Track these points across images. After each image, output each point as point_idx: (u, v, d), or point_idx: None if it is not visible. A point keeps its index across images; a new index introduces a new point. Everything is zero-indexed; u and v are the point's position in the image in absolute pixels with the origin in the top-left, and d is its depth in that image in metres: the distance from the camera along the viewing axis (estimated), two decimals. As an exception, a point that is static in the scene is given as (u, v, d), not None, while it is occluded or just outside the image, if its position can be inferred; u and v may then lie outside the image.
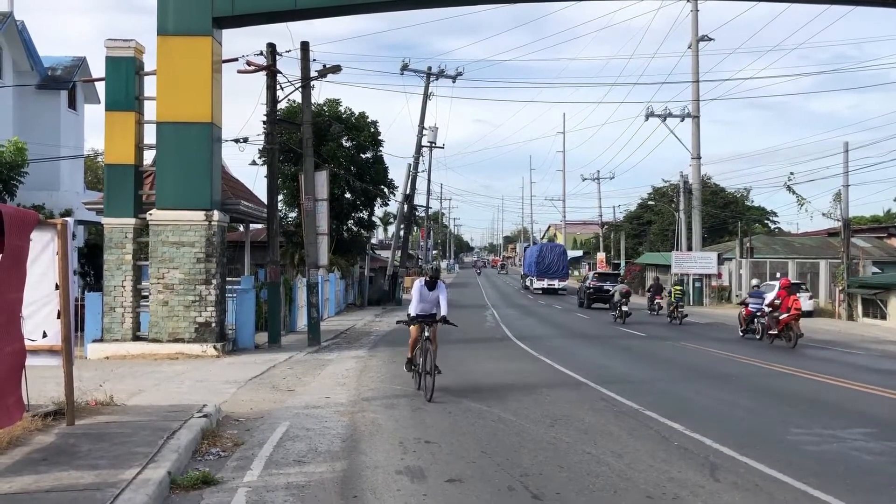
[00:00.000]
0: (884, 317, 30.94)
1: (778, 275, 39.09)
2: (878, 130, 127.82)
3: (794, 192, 44.30)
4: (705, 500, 6.50)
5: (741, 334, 23.55)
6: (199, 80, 16.84)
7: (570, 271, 64.48)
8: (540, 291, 55.29)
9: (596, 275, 41.71)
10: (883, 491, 6.90)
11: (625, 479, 7.14)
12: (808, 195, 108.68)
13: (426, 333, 11.44)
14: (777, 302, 21.44)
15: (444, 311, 11.49)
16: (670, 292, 30.54)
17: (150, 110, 17.48)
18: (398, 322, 12.48)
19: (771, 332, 21.46)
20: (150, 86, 17.61)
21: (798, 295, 27.79)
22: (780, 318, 20.94)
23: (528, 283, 60.84)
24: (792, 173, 73.28)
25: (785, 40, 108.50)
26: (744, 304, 24.21)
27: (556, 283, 55.20)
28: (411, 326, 11.76)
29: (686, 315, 29.61)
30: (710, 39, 43.78)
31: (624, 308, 28.69)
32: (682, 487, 6.87)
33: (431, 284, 11.64)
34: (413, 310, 11.71)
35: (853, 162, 35.20)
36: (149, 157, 18.32)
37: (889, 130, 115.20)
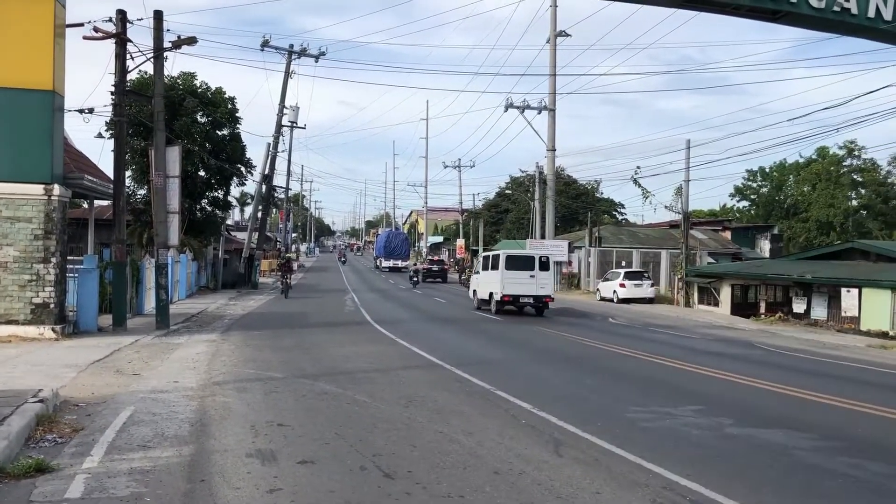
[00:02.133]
0: (717, 304, 33.32)
1: (624, 263, 41.26)
2: (718, 129, 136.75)
3: (639, 186, 46.82)
4: (549, 474, 6.81)
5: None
6: (40, 43, 15.70)
7: (410, 253, 76.60)
8: (387, 269, 65.33)
9: (428, 259, 54.18)
10: (706, 462, 7.48)
11: (474, 456, 7.36)
12: (653, 188, 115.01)
13: None
14: None
15: None
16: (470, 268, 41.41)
17: (-17, 74, 16.12)
18: None
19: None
20: (-18, 47, 16.23)
21: (640, 282, 30.65)
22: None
23: (378, 263, 70.25)
24: (639, 167, 77.38)
25: (636, 40, 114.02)
26: None
27: (400, 263, 66.39)
28: None
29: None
30: (568, 35, 45.12)
31: (415, 279, 44.97)
32: (528, 463, 7.16)
33: None
34: None
35: (694, 158, 37.57)
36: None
37: (727, 130, 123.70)
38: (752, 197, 73.55)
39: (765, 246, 50.96)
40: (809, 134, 76.53)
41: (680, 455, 7.66)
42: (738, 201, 75.48)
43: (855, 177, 62.82)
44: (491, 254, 28.91)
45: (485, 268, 28.46)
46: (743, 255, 45.04)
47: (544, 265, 26.27)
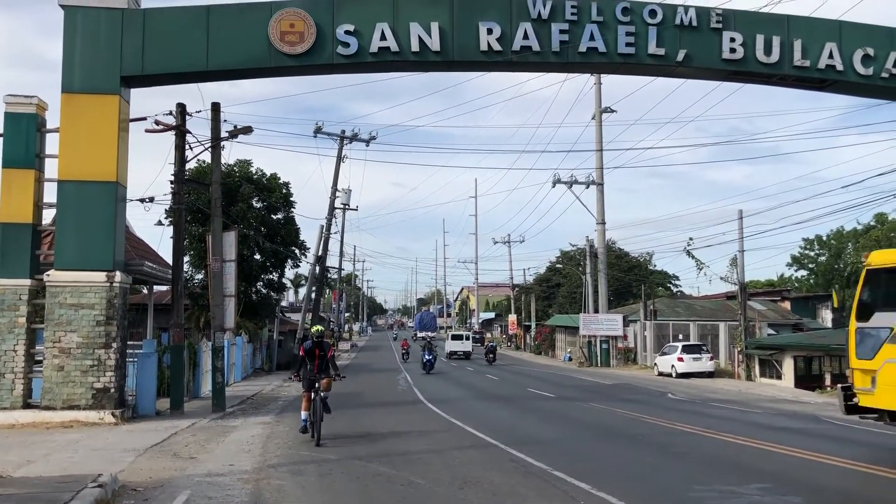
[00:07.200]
0: (779, 376, 32.27)
1: (681, 336, 40.46)
2: (771, 199, 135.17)
3: (693, 257, 46.25)
4: (610, 558, 6.58)
5: None
6: (105, 138, 16.48)
7: (438, 327, 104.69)
8: (422, 339, 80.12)
9: (451, 336, 58.73)
10: (778, 544, 7.14)
11: (532, 539, 7.16)
12: (707, 260, 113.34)
13: None
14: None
15: None
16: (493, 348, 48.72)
17: (52, 168, 16.95)
18: None
19: None
20: (52, 143, 17.12)
21: (699, 356, 30.05)
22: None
23: (415, 335, 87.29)
24: (691, 239, 76.34)
25: (682, 113, 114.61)
26: None
27: (430, 335, 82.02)
28: None
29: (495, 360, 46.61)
30: (613, 111, 45.75)
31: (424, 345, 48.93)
32: (588, 546, 6.93)
33: None
34: None
35: (748, 228, 37.19)
36: (49, 215, 17.69)
37: (780, 199, 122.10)
38: (811, 266, 71.87)
39: (827, 316, 49.43)
40: (866, 200, 75.20)
41: (748, 537, 7.33)
42: (795, 270, 73.80)
43: (917, 242, 61.01)
44: (447, 333, 65.28)
45: (448, 339, 56.66)
46: (804, 326, 43.69)
47: (468, 337, 55.79)
